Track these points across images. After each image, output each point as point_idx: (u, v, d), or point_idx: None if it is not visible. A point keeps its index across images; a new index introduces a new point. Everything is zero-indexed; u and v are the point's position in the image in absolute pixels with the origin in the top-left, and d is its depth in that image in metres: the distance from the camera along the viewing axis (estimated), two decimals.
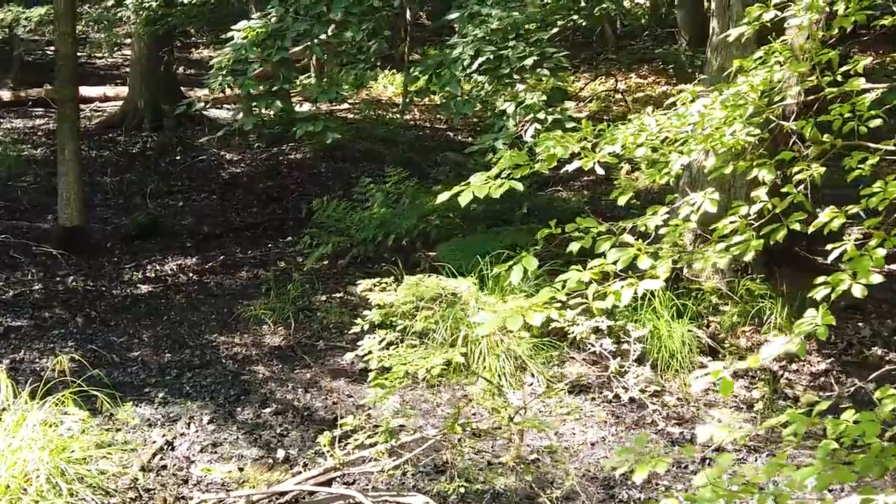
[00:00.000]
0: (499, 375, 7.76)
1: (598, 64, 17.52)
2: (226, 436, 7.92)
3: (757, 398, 8.60)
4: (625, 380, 8.23)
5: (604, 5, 13.63)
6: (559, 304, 4.37)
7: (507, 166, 4.80)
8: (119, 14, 16.92)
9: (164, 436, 7.88)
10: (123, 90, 20.31)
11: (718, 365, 3.95)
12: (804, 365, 9.30)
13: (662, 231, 4.57)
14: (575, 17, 14.92)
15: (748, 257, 4.21)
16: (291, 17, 9.72)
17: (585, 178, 15.26)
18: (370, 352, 6.00)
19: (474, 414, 7.91)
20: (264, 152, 17.12)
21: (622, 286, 4.17)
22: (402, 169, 13.37)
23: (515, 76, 9.43)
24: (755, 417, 8.17)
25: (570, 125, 9.24)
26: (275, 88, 9.73)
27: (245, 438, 7.89)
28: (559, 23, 12.47)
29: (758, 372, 9.12)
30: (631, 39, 22.64)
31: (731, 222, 4.39)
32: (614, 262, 4.33)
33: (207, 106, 10.44)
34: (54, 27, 12.19)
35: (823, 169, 4.38)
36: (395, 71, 22.52)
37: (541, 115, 9.25)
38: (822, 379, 9.07)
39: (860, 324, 10.13)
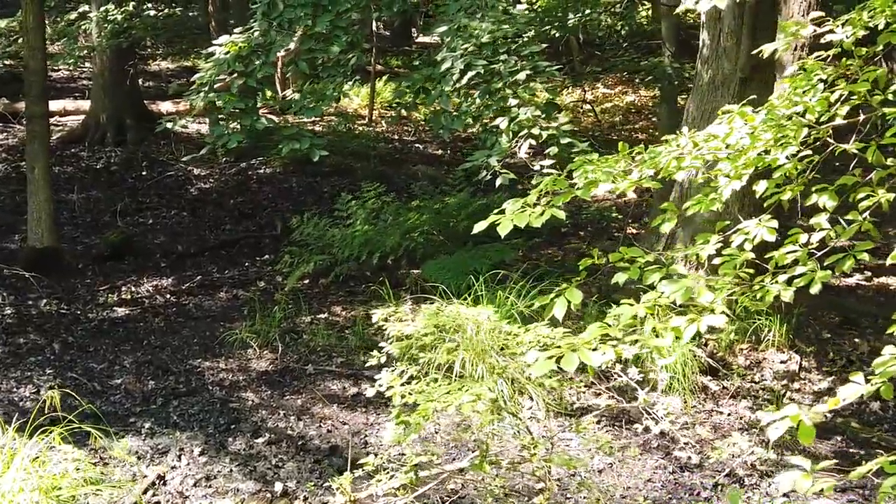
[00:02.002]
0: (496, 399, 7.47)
1: (573, 74, 17.35)
2: (219, 468, 7.60)
3: (762, 419, 8.37)
4: (654, 411, 7.98)
5: (586, 15, 13.40)
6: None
7: (547, 191, 4.54)
8: (83, 27, 16.47)
9: (154, 469, 7.55)
10: (83, 104, 19.83)
11: (793, 408, 3.71)
12: (806, 383, 9.13)
13: (717, 261, 4.32)
14: (548, 27, 14.67)
15: (815, 290, 3.97)
16: (276, 31, 9.41)
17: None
18: (391, 386, 5.69)
19: (474, 439, 7.64)
20: (232, 167, 16.75)
21: (684, 322, 3.93)
22: (378, 184, 13.08)
23: (508, 90, 9.16)
24: (765, 441, 7.95)
25: (565, 140, 9.02)
26: (259, 105, 9.41)
27: (239, 470, 7.57)
28: (528, 35, 12.22)
29: (760, 391, 8.94)
30: (597, 49, 22.49)
31: (791, 251, 4.15)
32: (667, 294, 4.10)
33: (189, 122, 10.07)
34: (24, 42, 11.80)
35: (892, 195, 4.15)
36: (359, 82, 22.20)
37: (535, 131, 9.00)
38: (826, 398, 8.85)
39: (856, 339, 9.98)
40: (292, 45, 9.59)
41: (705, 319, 3.89)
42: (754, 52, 5.54)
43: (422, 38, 29.52)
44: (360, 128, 19.22)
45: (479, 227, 4.62)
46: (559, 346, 3.97)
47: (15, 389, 8.89)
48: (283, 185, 15.94)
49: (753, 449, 7.76)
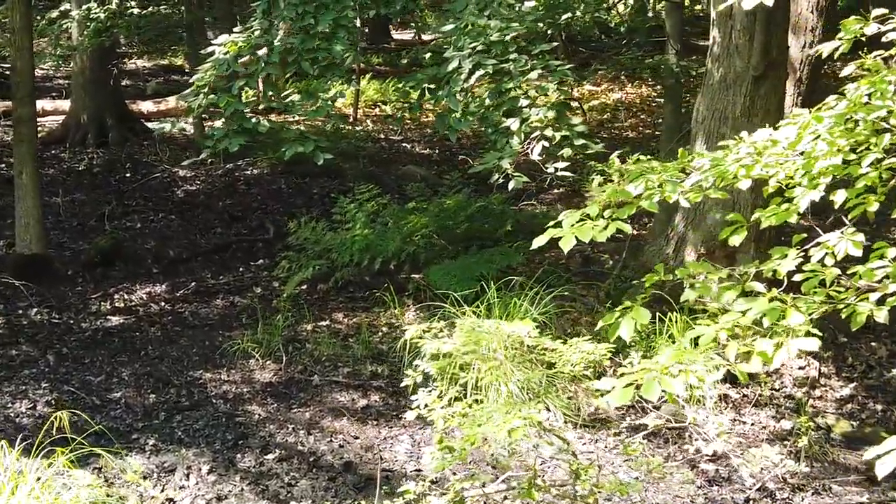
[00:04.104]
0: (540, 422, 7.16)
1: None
2: (229, 487, 7.28)
3: (787, 428, 8.13)
4: (705, 431, 7.70)
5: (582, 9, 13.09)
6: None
7: (611, 202, 4.24)
8: (66, 26, 16.06)
9: (162, 490, 7.22)
10: (62, 104, 19.41)
11: None
12: (828, 390, 8.88)
13: (797, 277, 4.03)
14: (540, 23, 14.37)
15: None
16: (277, 30, 9.08)
17: (555, 191, 14.80)
18: (432, 409, 5.35)
19: (491, 453, 7.34)
20: (219, 168, 16.34)
21: (772, 346, 3.64)
22: (371, 185, 12.71)
23: (518, 91, 8.87)
24: (793, 452, 7.70)
25: (579, 142, 8.73)
26: (262, 107, 9.09)
27: (251, 490, 7.25)
28: (512, 34, 11.94)
29: (781, 399, 8.68)
30: (581, 47, 22.18)
31: (880, 267, 3.86)
32: (751, 315, 3.81)
33: (189, 123, 9.73)
34: (10, 42, 11.39)
35: None
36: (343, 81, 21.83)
37: (548, 132, 8.71)
38: (849, 405, 8.65)
39: (873, 343, 9.74)
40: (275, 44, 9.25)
41: (795, 343, 3.60)
42: (808, 50, 5.23)
43: (399, 36, 29.23)
44: (347, 127, 18.86)
45: (539, 241, 4.31)
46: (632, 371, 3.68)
47: (10, 405, 8.53)
48: (272, 187, 15.57)
49: (784, 461, 7.51)
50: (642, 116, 20.08)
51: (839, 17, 11.65)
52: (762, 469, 7.44)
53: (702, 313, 9.26)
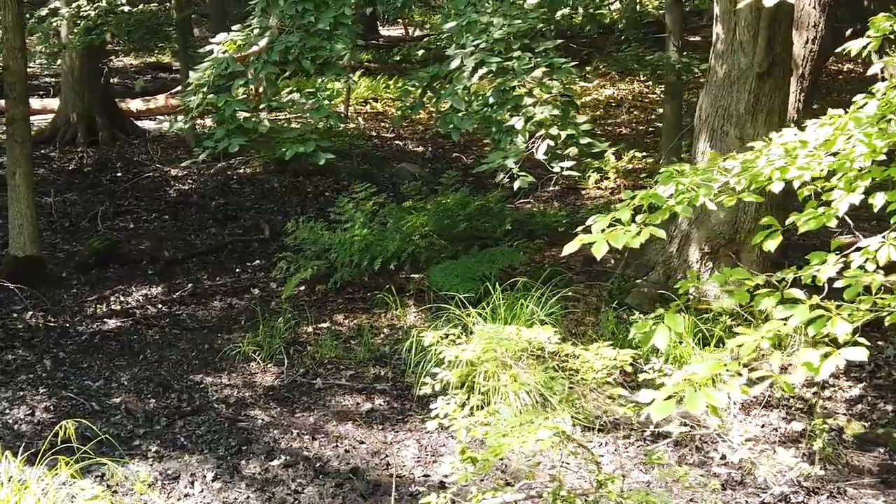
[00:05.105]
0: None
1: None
2: (235, 495, 7.15)
3: (798, 430, 8.02)
4: (729, 438, 7.58)
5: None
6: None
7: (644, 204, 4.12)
8: (55, 24, 15.85)
9: (167, 498, 7.08)
10: (50, 102, 19.19)
11: None
12: (837, 391, 8.78)
13: (839, 284, 3.92)
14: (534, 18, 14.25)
15: None
16: (277, 28, 8.93)
17: (550, 189, 14.67)
18: (454, 418, 5.22)
19: (503, 461, 7.21)
20: (211, 167, 16.13)
21: (817, 357, 3.53)
22: (367, 184, 12.54)
23: (523, 89, 8.76)
24: (806, 454, 7.60)
25: (584, 141, 8.63)
26: (262, 106, 8.96)
27: (257, 497, 7.12)
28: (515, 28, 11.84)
29: (791, 400, 8.57)
30: (571, 43, 22.04)
31: None
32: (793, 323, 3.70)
33: (187, 122, 9.59)
34: (2, 42, 11.20)
35: None
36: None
37: (553, 131, 8.60)
38: (860, 406, 8.55)
39: (880, 342, 9.63)
40: (263, 42, 9.09)
41: (844, 352, 3.48)
42: (839, 49, 5.11)
43: (387, 32, 29.09)
44: (340, 125, 18.65)
45: (570, 248, 4.17)
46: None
47: (8, 411, 8.38)
48: (265, 186, 15.39)
49: (799, 464, 7.39)
50: (635, 112, 19.98)
51: (840, 11, 11.58)
52: (777, 472, 7.32)
53: (706, 312, 9.19)
